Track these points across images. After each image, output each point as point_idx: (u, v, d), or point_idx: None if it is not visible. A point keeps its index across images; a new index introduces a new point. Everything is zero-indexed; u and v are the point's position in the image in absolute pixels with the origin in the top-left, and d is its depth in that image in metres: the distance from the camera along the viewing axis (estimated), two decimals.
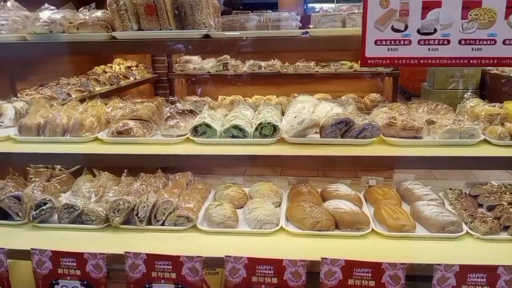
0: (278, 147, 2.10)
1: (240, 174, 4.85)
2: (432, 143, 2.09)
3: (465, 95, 2.52)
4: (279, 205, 2.51)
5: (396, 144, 2.08)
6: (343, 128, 2.06)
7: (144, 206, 2.19)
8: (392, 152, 2.00)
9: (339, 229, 2.19)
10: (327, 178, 4.59)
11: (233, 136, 2.13)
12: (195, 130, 2.15)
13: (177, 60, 5.54)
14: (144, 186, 2.43)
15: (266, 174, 4.52)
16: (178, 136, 2.20)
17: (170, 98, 2.64)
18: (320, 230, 2.13)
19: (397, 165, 2.01)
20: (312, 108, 2.38)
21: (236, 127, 2.12)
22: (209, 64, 5.39)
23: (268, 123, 2.12)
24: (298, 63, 5.24)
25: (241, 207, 2.46)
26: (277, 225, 2.20)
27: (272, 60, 5.31)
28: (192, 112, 2.40)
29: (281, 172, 4.93)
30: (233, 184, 2.70)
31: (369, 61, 1.71)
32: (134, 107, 2.31)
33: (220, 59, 5.38)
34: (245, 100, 5.20)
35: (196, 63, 5.47)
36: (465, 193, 2.50)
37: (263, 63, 5.28)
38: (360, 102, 5.04)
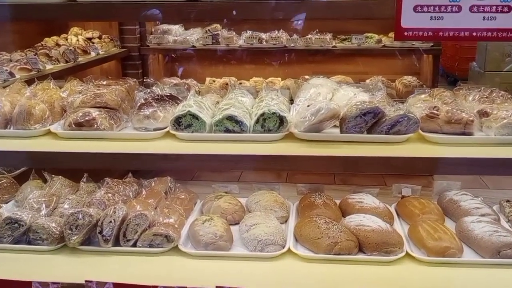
0: (285, 144, 2.09)
1: (234, 180, 4.90)
2: (485, 141, 2.09)
3: None
4: (286, 221, 2.52)
5: (439, 141, 2.07)
6: (370, 120, 2.06)
7: (111, 222, 2.19)
8: (433, 152, 1.99)
9: (363, 253, 2.18)
10: (347, 186, 4.61)
11: (227, 131, 2.13)
12: (178, 122, 2.15)
13: (152, 30, 5.53)
14: (110, 195, 2.42)
15: (268, 180, 4.50)
16: (155, 129, 2.20)
17: (144, 80, 2.64)
18: (339, 254, 2.12)
19: (439, 169, 2.00)
20: (329, 94, 2.38)
21: (231, 118, 2.12)
22: (194, 36, 5.38)
23: (273, 113, 2.12)
24: (310, 36, 5.23)
25: (236, 223, 2.46)
26: (283, 247, 2.20)
27: (276, 32, 5.30)
28: (173, 99, 2.39)
29: (288, 178, 4.94)
30: (226, 193, 2.70)
31: (405, 33, 1.71)
32: (98, 91, 2.31)
33: (209, 29, 5.37)
34: (240, 83, 5.19)
35: (177, 34, 5.46)
36: None
37: (264, 35, 5.27)
38: (390, 86, 5.06)
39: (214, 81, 5.35)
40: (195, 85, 4.99)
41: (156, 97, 2.35)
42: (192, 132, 2.14)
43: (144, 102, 2.29)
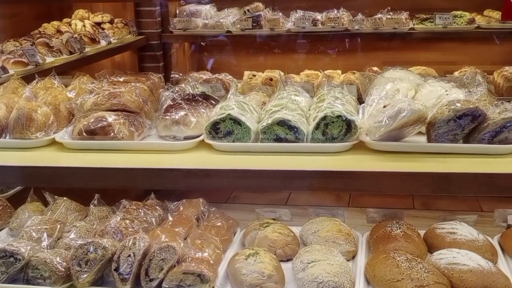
0: (354, 157, 2.09)
1: (281, 203, 4.91)
2: None
3: None
4: (353, 257, 2.51)
5: None
6: (467, 125, 2.03)
7: (129, 256, 2.21)
8: None
9: None
10: (430, 211, 4.55)
11: (278, 139, 2.13)
12: (215, 129, 2.16)
13: (177, 12, 5.60)
14: (128, 221, 2.46)
15: (325, 203, 4.49)
16: (185, 138, 2.22)
17: (173, 75, 2.66)
18: None
19: None
20: (412, 91, 2.36)
21: (283, 123, 2.12)
22: (229, 18, 5.41)
23: (338, 116, 2.11)
24: (380, 15, 5.19)
25: (288, 260, 2.47)
26: None
27: (336, 10, 5.28)
28: (207, 99, 2.42)
29: (351, 201, 4.90)
30: (274, 220, 2.71)
31: None
32: (114, 91, 2.34)
33: (248, 10, 5.39)
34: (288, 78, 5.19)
35: (208, 17, 5.51)
36: None
37: (319, 16, 5.26)
38: (487, 80, 4.93)
39: (254, 75, 5.36)
40: (231, 81, 5.01)
41: (187, 97, 2.37)
42: (233, 141, 2.15)
43: (171, 103, 2.31)
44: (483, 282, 2.13)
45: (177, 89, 2.47)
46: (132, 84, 2.46)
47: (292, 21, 5.27)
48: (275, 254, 2.44)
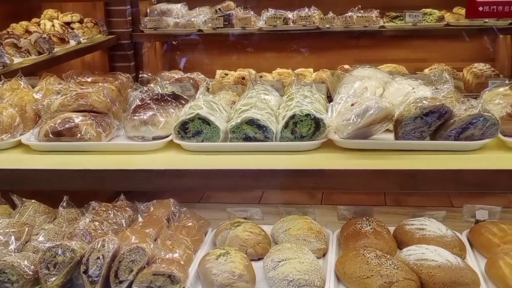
0: (323, 155, 2.09)
1: (254, 202, 4.90)
2: None
3: None
4: (324, 255, 2.52)
5: None
6: (434, 122, 2.05)
7: (98, 258, 2.19)
8: None
9: None
10: (401, 208, 4.59)
11: (248, 139, 2.14)
12: (184, 129, 2.16)
13: (148, 11, 5.57)
14: (97, 223, 2.44)
15: (298, 201, 4.51)
16: (154, 138, 2.21)
17: (141, 75, 2.65)
18: None
19: None
20: (379, 89, 2.38)
21: (252, 122, 2.13)
22: (201, 17, 5.40)
23: (306, 115, 2.12)
24: (350, 13, 5.22)
25: (259, 259, 2.47)
26: None
27: (307, 9, 5.29)
28: (177, 99, 2.41)
29: (324, 199, 4.92)
30: (245, 219, 2.72)
31: (480, 8, 1.70)
32: (81, 91, 2.33)
33: (219, 8, 5.38)
34: (260, 77, 5.20)
35: (179, 16, 5.49)
36: None
37: (291, 14, 5.27)
38: (457, 77, 5.00)
39: (226, 74, 5.36)
40: (202, 80, 5.00)
41: (156, 97, 2.36)
42: (202, 141, 2.15)
43: (140, 103, 2.30)
44: (451, 277, 2.15)
45: (145, 89, 2.46)
46: (100, 84, 2.44)
47: (263, 20, 5.26)
48: (246, 253, 2.44)
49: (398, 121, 2.08)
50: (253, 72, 5.33)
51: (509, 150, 2.07)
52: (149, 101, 2.30)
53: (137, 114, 2.24)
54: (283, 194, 4.77)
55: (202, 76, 5.31)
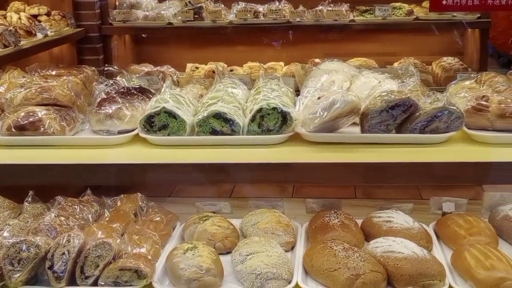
0: (289, 149, 2.10)
1: (225, 196, 4.89)
2: None
3: None
4: (292, 248, 2.52)
5: (489, 141, 2.08)
6: (399, 116, 2.06)
7: (64, 253, 2.17)
8: (481, 155, 2.00)
9: (393, 287, 2.18)
10: (372, 200, 4.62)
11: (214, 132, 2.13)
12: (150, 123, 2.14)
13: (117, 3, 5.51)
14: (62, 218, 2.41)
15: (269, 195, 4.50)
16: (120, 132, 2.19)
17: (106, 68, 2.63)
18: None
19: (489, 177, 1.99)
20: (346, 82, 2.39)
21: (218, 116, 2.12)
22: (171, 10, 5.36)
23: (273, 108, 2.12)
24: (320, 7, 5.22)
25: (228, 252, 2.46)
26: (289, 282, 2.20)
27: (277, 3, 5.29)
28: (143, 92, 2.39)
29: (295, 192, 4.93)
30: (214, 213, 2.70)
31: (444, 2, 1.71)
32: (45, 85, 2.30)
33: (190, 1, 5.35)
34: (231, 70, 5.19)
35: (148, 8, 5.45)
36: None
37: (261, 8, 5.26)
38: (426, 71, 5.04)
39: (197, 68, 5.33)
40: (172, 74, 4.97)
41: (122, 90, 2.34)
42: (169, 134, 2.13)
43: (105, 97, 2.28)
44: (417, 269, 2.15)
45: (111, 82, 2.43)
46: (64, 77, 2.42)
47: (234, 13, 5.24)
48: (214, 247, 2.43)
49: (364, 114, 2.09)
50: (224, 65, 5.31)
51: (474, 143, 2.09)
52: (114, 95, 2.28)
53: (102, 108, 2.22)
54: (255, 187, 4.76)
55: (172, 69, 5.28)
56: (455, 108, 2.05)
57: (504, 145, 2.06)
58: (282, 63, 5.41)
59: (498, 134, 2.10)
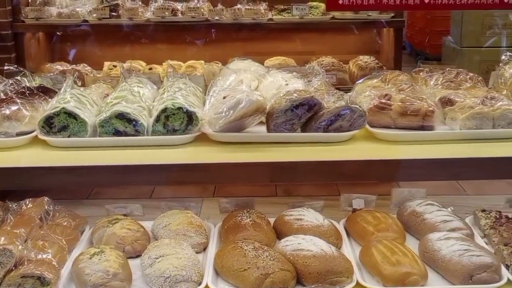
0: (195, 149, 2.09)
1: (145, 197, 4.82)
2: (448, 136, 2.14)
3: (503, 57, 2.61)
4: (205, 249, 2.50)
5: (391, 139, 2.12)
6: (304, 115, 2.07)
7: None
8: (383, 153, 2.03)
9: (302, 285, 2.19)
10: (292, 198, 4.63)
11: (118, 133, 2.09)
12: (49, 124, 2.08)
13: (29, 0, 5.34)
14: None
15: (189, 194, 4.47)
16: (18, 134, 2.12)
17: (7, 68, 2.53)
18: None
19: (391, 175, 2.04)
20: (255, 82, 2.38)
21: (121, 116, 2.08)
22: (86, 7, 5.23)
23: (178, 108, 2.09)
24: (239, 6, 5.22)
25: (138, 256, 2.42)
26: (199, 284, 2.19)
27: (196, 1, 5.25)
28: (46, 92, 2.33)
29: (216, 192, 4.91)
30: (125, 216, 2.65)
31: (340, 1, 1.71)
32: None
33: None
34: (150, 69, 5.12)
35: (63, 5, 5.30)
36: (507, 216, 2.59)
37: (179, 6, 5.20)
38: (343, 70, 5.11)
39: (115, 66, 5.22)
40: (88, 72, 4.85)
41: (22, 90, 2.27)
42: (69, 136, 2.08)
43: (3, 97, 2.21)
44: (325, 266, 2.17)
45: (11, 82, 2.35)
46: None
47: (151, 11, 5.17)
48: (123, 251, 2.39)
49: (269, 113, 2.09)
50: (142, 64, 5.23)
51: (377, 141, 2.13)
52: (13, 95, 2.20)
53: (1, 109, 2.14)
54: (174, 188, 4.72)
55: (89, 68, 5.17)
56: (357, 106, 2.08)
57: (405, 143, 2.10)
58: (202, 62, 5.37)
59: (399, 132, 2.14)
